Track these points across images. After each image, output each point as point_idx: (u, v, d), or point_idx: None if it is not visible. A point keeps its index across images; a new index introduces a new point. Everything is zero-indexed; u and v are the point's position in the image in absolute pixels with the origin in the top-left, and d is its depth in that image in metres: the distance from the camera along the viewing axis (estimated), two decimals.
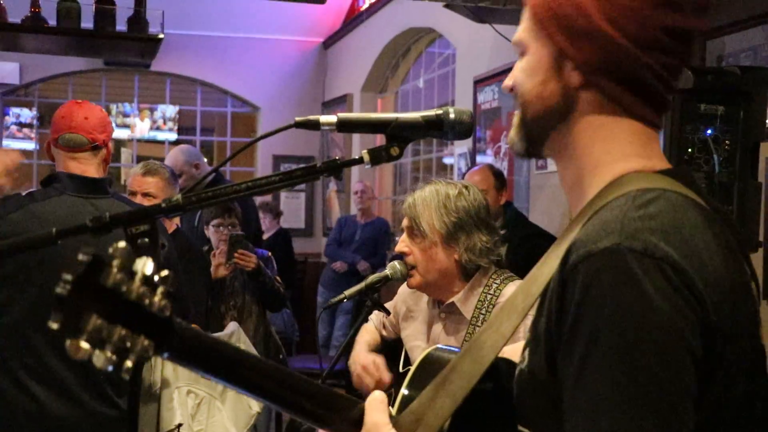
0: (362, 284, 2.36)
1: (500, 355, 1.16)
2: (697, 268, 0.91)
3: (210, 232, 3.86)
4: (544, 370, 0.99)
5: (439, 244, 2.23)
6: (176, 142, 9.27)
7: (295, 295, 6.92)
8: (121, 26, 4.29)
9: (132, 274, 0.89)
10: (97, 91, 8.80)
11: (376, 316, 2.63)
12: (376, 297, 2.35)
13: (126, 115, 8.72)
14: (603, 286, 0.90)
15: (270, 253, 4.04)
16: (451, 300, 2.27)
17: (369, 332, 2.63)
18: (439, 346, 1.37)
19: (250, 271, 3.71)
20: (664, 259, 0.90)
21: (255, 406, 3.40)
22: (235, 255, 3.66)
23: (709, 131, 2.76)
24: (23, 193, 2.62)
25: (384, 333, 2.61)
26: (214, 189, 1.27)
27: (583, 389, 0.90)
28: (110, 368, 0.88)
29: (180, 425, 3.14)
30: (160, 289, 0.91)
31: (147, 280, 0.90)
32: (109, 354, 0.87)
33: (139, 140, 9.02)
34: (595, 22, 1.01)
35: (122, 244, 0.90)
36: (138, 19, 4.30)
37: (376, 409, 1.11)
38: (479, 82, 5.53)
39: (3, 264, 2.41)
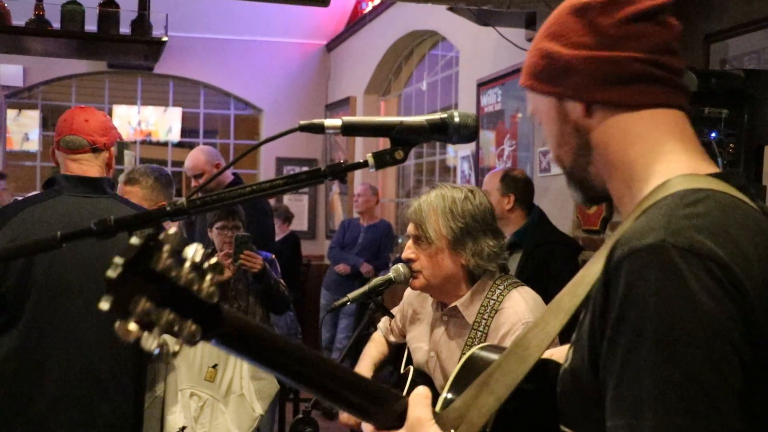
0: (366, 287, 2.36)
1: (549, 356, 1.18)
2: (744, 268, 0.91)
3: (213, 234, 3.85)
4: (586, 369, 0.99)
5: (445, 249, 2.22)
6: (179, 145, 9.30)
7: (298, 297, 6.93)
8: (125, 29, 4.30)
9: (182, 260, 0.91)
10: (100, 94, 8.82)
11: (383, 322, 2.63)
12: (379, 300, 2.35)
13: None
14: (647, 282, 0.90)
15: (274, 256, 4.04)
16: (454, 304, 2.26)
17: (376, 344, 2.62)
18: (484, 345, 1.36)
19: (256, 273, 3.71)
20: (709, 257, 0.89)
21: (258, 408, 3.40)
22: (241, 256, 3.65)
23: (713, 134, 2.76)
24: (20, 198, 2.64)
25: (391, 338, 2.61)
26: (218, 192, 1.27)
27: (626, 385, 0.90)
28: (156, 351, 0.89)
29: (184, 428, 3.15)
30: (208, 276, 0.92)
31: (196, 267, 0.91)
32: (156, 336, 0.89)
33: (142, 142, 9.04)
34: (564, 55, 1.11)
35: (173, 230, 0.91)
36: (142, 22, 4.30)
37: (420, 404, 1.11)
38: (482, 85, 5.54)
39: (7, 271, 2.42)
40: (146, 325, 0.88)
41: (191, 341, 0.92)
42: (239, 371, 3.39)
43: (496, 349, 1.33)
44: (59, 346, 2.44)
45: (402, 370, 2.48)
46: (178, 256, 0.91)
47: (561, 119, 1.14)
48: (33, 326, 2.43)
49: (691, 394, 0.86)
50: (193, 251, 0.92)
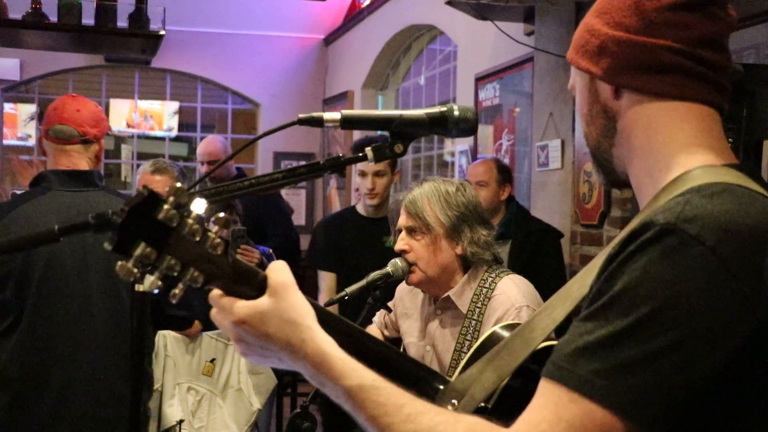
0: (364, 282, 2.35)
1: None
2: (753, 263, 0.91)
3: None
4: None
5: (443, 237, 2.26)
6: (176, 139, 9.28)
7: None
8: (122, 22, 4.28)
9: (187, 212, 0.94)
10: (97, 88, 8.79)
11: (378, 315, 2.63)
12: (377, 294, 2.35)
13: None
14: (645, 256, 0.91)
15: (271, 250, 4.03)
16: (446, 294, 2.29)
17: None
18: (506, 324, 1.39)
19: None
20: (713, 249, 0.89)
21: (256, 403, 3.40)
22: (238, 250, 3.65)
23: None
24: (10, 196, 2.60)
25: (386, 332, 2.62)
26: (217, 186, 1.27)
27: (592, 328, 0.91)
28: (156, 291, 0.94)
29: (181, 421, 3.15)
30: (214, 228, 0.96)
31: (201, 220, 0.95)
32: (156, 278, 0.93)
33: (139, 137, 9.03)
34: (603, 34, 1.09)
35: (179, 184, 0.94)
36: (139, 16, 4.30)
37: (282, 271, 1.04)
38: (480, 79, 5.53)
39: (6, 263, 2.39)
40: (146, 267, 0.93)
41: (193, 285, 0.95)
42: (237, 366, 3.39)
43: (513, 328, 1.35)
44: (62, 350, 2.40)
45: None
46: (183, 208, 0.94)
47: (592, 98, 1.14)
48: (35, 329, 2.38)
49: (646, 365, 0.88)
50: (199, 205, 0.96)
